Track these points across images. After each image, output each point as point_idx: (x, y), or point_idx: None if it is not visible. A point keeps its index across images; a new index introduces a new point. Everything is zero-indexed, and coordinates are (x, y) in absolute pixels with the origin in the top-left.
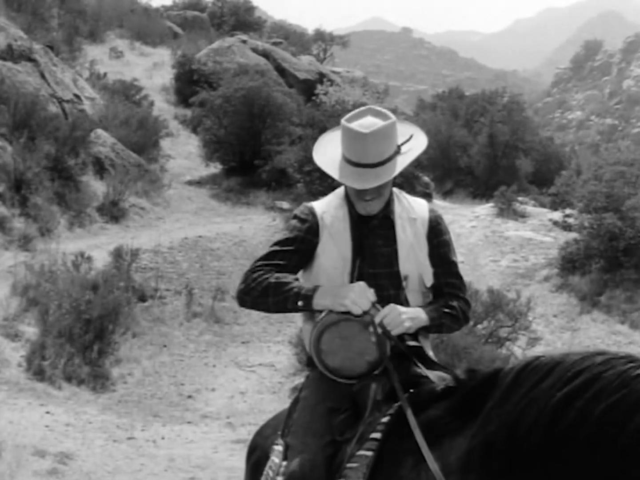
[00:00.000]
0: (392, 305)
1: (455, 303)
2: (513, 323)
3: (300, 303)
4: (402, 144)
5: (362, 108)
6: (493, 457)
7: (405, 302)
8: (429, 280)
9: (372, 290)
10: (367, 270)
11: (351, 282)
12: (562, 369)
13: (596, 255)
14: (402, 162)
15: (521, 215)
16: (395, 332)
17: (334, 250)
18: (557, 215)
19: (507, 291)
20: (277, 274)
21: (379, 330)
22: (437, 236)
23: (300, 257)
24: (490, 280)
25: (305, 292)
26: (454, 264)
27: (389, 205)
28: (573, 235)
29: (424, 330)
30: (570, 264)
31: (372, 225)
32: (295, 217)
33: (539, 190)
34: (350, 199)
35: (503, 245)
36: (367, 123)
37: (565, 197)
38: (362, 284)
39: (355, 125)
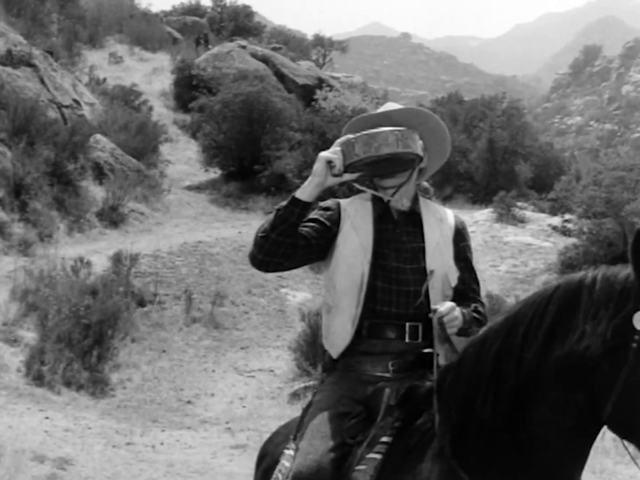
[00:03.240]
0: (453, 304)
1: (480, 309)
2: None
3: (296, 208)
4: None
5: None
6: (461, 442)
7: (426, 299)
8: (454, 281)
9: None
10: (390, 263)
11: (371, 272)
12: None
13: (595, 260)
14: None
15: (520, 221)
16: (450, 332)
17: (355, 240)
18: (556, 221)
19: (507, 296)
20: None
21: (438, 325)
22: (462, 240)
23: (315, 232)
24: (489, 285)
25: (289, 197)
26: (474, 270)
27: (415, 203)
28: (572, 240)
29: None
30: (570, 269)
31: (398, 221)
32: (319, 206)
33: (539, 195)
34: (376, 197)
35: (502, 251)
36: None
37: (565, 203)
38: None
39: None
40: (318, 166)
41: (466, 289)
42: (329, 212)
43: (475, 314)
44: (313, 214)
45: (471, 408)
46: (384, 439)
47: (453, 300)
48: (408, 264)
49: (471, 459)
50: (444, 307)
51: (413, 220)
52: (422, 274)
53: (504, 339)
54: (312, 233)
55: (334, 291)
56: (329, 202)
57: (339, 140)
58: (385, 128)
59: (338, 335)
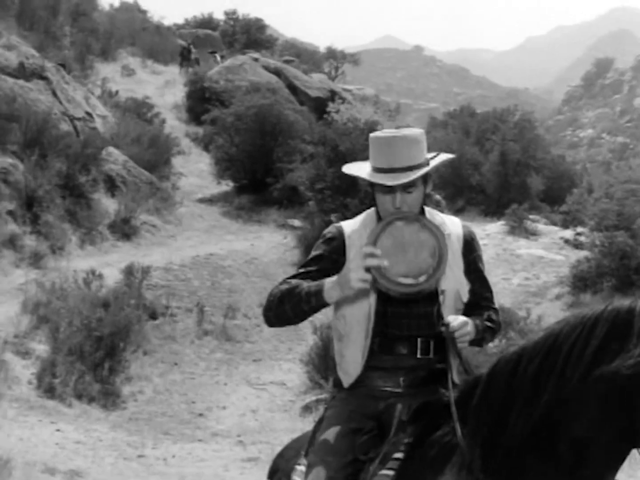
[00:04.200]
0: (466, 318)
1: (494, 316)
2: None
3: (313, 300)
4: (431, 159)
5: (389, 129)
6: (491, 456)
7: (439, 319)
8: (465, 295)
9: (366, 248)
10: None
11: (380, 299)
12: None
13: (607, 273)
14: (432, 163)
15: (532, 234)
16: (461, 346)
17: None
18: (568, 234)
19: (519, 309)
20: (290, 282)
21: (449, 335)
22: (471, 252)
23: (323, 276)
24: (501, 298)
25: (315, 288)
26: (486, 278)
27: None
28: (584, 253)
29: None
30: (582, 282)
31: None
32: (323, 236)
33: (551, 208)
34: (380, 217)
35: (514, 264)
36: (394, 131)
37: (577, 215)
38: (355, 259)
39: (383, 133)
40: (349, 288)
41: (478, 299)
42: (333, 244)
43: (488, 323)
44: (318, 249)
45: (504, 423)
46: (397, 455)
47: (465, 311)
48: None
49: (502, 473)
50: (456, 321)
51: None
52: (434, 294)
53: (545, 357)
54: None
55: (344, 320)
56: (332, 231)
57: (368, 254)
58: (426, 257)
59: (349, 366)
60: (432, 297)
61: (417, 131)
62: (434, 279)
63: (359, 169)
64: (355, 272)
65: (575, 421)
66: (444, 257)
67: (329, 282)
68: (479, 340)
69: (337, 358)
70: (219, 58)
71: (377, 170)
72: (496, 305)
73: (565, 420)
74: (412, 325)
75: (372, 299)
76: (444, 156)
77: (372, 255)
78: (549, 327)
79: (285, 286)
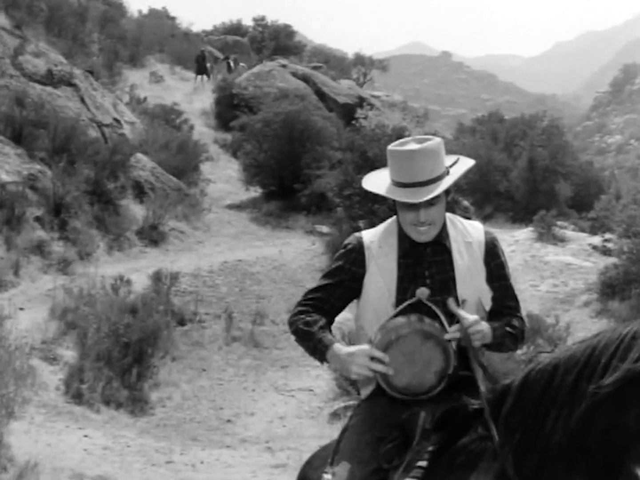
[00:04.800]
0: (477, 318)
1: (515, 323)
2: (553, 349)
3: (318, 356)
4: (451, 166)
5: (405, 139)
6: (525, 463)
7: None
8: (487, 304)
9: (374, 352)
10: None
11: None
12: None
13: (636, 280)
14: (453, 175)
15: (561, 240)
16: (476, 344)
17: (380, 280)
18: (596, 240)
19: (547, 316)
20: (308, 319)
21: (457, 336)
22: (493, 259)
23: (344, 290)
24: (530, 305)
25: (321, 348)
26: (510, 286)
27: (442, 231)
28: (612, 260)
29: (485, 347)
30: (610, 289)
31: (425, 253)
32: (344, 247)
33: (579, 214)
34: (401, 228)
35: (543, 270)
36: (413, 145)
37: (605, 222)
38: (363, 348)
39: (402, 147)
40: (347, 373)
41: (500, 307)
42: (352, 255)
43: (508, 328)
44: (339, 260)
45: (539, 430)
46: (420, 463)
47: (488, 319)
48: (438, 295)
49: (537, 478)
50: (470, 318)
51: (441, 249)
52: (455, 304)
53: (584, 367)
54: (341, 295)
55: (363, 332)
56: (353, 242)
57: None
58: (437, 360)
59: (368, 378)
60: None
61: (435, 141)
62: (432, 395)
63: (378, 182)
64: (357, 368)
65: (613, 429)
66: (446, 378)
67: (335, 350)
68: (497, 345)
69: None
70: (232, 63)
71: (398, 184)
72: (522, 314)
73: (602, 428)
74: None
75: (390, 305)
76: (464, 163)
77: (380, 361)
78: (586, 339)
79: (300, 321)
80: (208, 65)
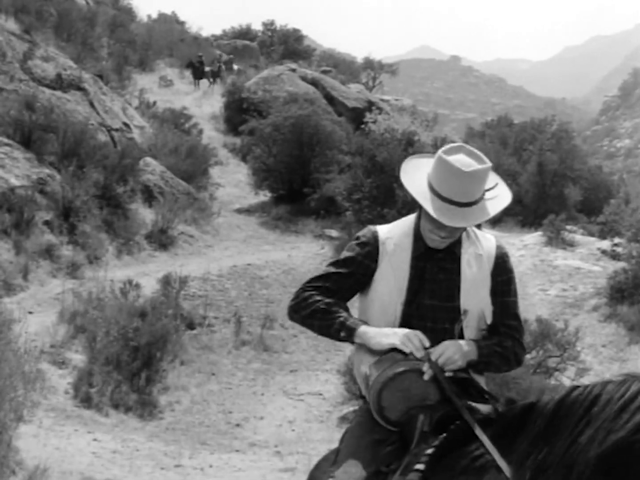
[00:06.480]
0: (447, 343)
1: (509, 343)
2: (562, 353)
3: (342, 334)
4: (488, 190)
5: (455, 144)
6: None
7: (459, 337)
8: (489, 317)
9: (424, 337)
10: (425, 301)
11: (405, 311)
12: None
13: None
14: (491, 209)
15: (570, 244)
16: (448, 370)
17: (391, 279)
18: (605, 244)
19: (556, 321)
20: (327, 300)
21: (431, 373)
22: (501, 274)
23: (355, 282)
24: (539, 309)
25: (350, 324)
26: (513, 304)
27: (456, 239)
28: (621, 264)
29: (470, 368)
30: (619, 293)
31: (436, 258)
32: (357, 238)
33: (588, 218)
34: (417, 229)
35: (552, 274)
36: (464, 161)
37: (614, 226)
38: (408, 331)
39: (454, 160)
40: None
41: (497, 324)
42: (366, 249)
43: (498, 348)
44: (352, 251)
45: (569, 447)
46: (418, 466)
47: (486, 334)
48: (443, 302)
49: None
50: (438, 349)
51: (451, 257)
52: (457, 313)
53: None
54: (350, 287)
55: None
56: (367, 235)
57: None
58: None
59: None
60: (455, 315)
61: (485, 167)
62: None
63: (416, 179)
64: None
65: None
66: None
67: (368, 327)
68: (484, 364)
69: (355, 366)
70: (222, 66)
71: (436, 194)
72: (521, 336)
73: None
74: (436, 341)
75: (398, 310)
76: (502, 197)
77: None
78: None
79: (320, 301)
80: (207, 69)
